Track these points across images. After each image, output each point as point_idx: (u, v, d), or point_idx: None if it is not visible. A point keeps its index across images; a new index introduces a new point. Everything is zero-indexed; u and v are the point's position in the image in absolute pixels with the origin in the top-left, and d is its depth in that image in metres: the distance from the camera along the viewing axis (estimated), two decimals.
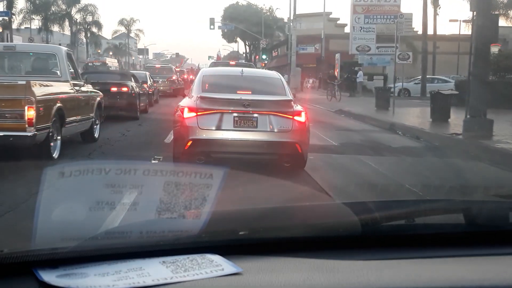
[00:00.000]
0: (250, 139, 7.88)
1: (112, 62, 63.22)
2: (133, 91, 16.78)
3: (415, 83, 36.78)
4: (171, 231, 1.68)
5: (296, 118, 7.96)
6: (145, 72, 27.01)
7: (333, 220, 1.86)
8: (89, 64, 56.78)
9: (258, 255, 1.61)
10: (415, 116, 21.05)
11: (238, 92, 8.23)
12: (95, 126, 11.25)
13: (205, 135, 7.82)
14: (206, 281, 1.42)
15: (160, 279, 1.41)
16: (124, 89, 16.47)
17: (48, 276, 1.40)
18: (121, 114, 16.32)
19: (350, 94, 35.36)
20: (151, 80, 24.86)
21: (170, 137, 10.68)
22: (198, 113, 7.83)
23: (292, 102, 8.27)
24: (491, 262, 1.70)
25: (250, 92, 8.31)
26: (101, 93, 11.95)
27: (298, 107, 8.28)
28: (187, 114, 7.88)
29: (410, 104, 26.28)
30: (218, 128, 7.80)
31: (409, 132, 15.41)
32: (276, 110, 7.95)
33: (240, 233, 1.72)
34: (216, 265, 1.50)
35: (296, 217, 1.91)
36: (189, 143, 7.79)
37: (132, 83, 17.26)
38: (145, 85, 20.56)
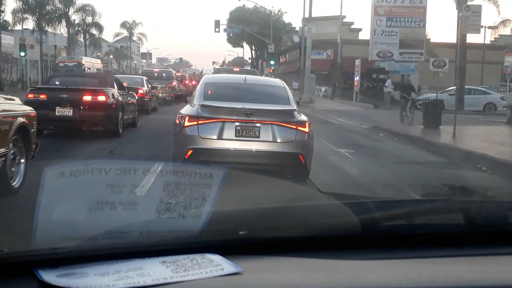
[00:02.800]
0: (252, 149, 7.68)
1: (92, 63, 51.09)
2: (113, 101, 13.22)
3: (449, 94, 31.22)
4: (171, 231, 1.68)
5: (300, 128, 7.78)
6: (142, 76, 24.55)
7: (333, 220, 1.87)
8: (60, 64, 46.46)
9: (258, 255, 1.61)
10: (486, 139, 15.30)
11: (240, 100, 8.03)
12: (12, 169, 6.67)
13: (205, 144, 7.64)
14: (206, 281, 1.43)
15: (160, 279, 1.41)
16: (101, 97, 12.86)
17: (48, 276, 1.41)
18: (98, 130, 13.01)
19: (375, 106, 31.09)
20: (149, 85, 22.62)
21: (147, 183, 3.86)
22: (199, 122, 7.67)
23: (296, 112, 8.09)
24: (491, 262, 1.70)
25: (253, 101, 8.09)
26: (31, 111, 7.74)
27: (302, 117, 8.10)
28: (187, 122, 7.73)
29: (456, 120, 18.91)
30: (219, 137, 7.62)
31: (502, 169, 10.59)
32: (280, 119, 7.78)
33: (240, 233, 1.73)
34: (216, 264, 1.50)
35: (296, 217, 1.92)
36: (189, 152, 7.62)
37: (114, 90, 13.77)
38: (135, 93, 17.19)
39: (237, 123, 7.65)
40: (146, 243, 1.62)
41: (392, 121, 20.73)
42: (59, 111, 12.39)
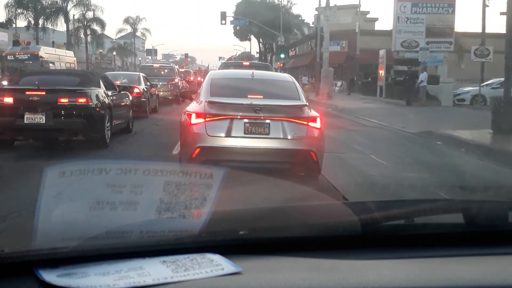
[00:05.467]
0: (262, 147, 7.42)
1: (58, 56, 38.27)
2: (97, 103, 10.72)
3: (492, 88, 27.74)
4: (171, 231, 1.68)
5: (311, 124, 7.54)
6: (138, 73, 21.92)
7: (333, 220, 1.87)
8: (8, 57, 33.95)
9: (258, 255, 1.61)
10: None
11: (249, 96, 7.77)
12: None
13: (213, 142, 7.38)
14: (206, 281, 1.43)
15: (160, 279, 1.41)
16: (81, 100, 10.33)
17: (48, 276, 1.41)
18: (79, 140, 10.65)
19: (407, 102, 26.97)
20: (148, 83, 20.04)
21: None
22: (206, 119, 7.40)
23: (307, 107, 7.77)
24: (491, 262, 1.70)
25: (261, 97, 7.86)
26: None
27: (313, 112, 7.81)
28: (194, 120, 7.45)
29: None
30: (228, 135, 7.37)
31: None
32: (290, 115, 7.52)
33: (240, 232, 1.73)
34: (216, 264, 1.50)
35: (296, 217, 1.92)
36: (196, 151, 7.37)
37: (99, 90, 11.22)
38: (130, 92, 14.71)
39: (245, 120, 7.40)
40: (146, 243, 1.62)
41: (442, 122, 17.20)
42: (29, 118, 10.05)
